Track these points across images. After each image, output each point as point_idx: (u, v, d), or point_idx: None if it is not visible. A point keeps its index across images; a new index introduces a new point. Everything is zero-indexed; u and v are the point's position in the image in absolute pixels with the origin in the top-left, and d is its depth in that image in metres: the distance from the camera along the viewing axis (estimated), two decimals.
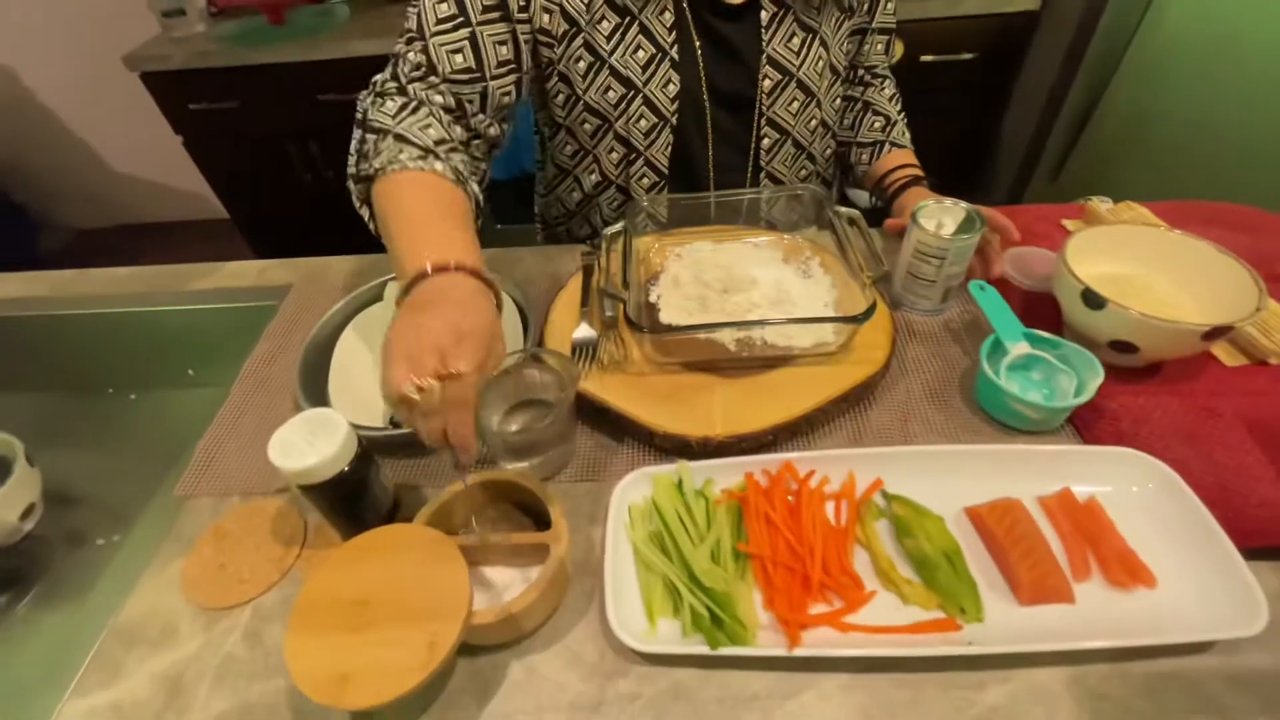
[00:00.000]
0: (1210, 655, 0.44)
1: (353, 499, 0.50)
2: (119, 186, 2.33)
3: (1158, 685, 0.43)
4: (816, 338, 0.61)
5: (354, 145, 0.64)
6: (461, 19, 0.64)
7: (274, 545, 0.54)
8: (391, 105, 0.63)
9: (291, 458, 0.45)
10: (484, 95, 0.67)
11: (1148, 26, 1.31)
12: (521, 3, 0.66)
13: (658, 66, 0.72)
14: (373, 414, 0.62)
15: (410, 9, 0.65)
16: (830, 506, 0.53)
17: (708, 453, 0.56)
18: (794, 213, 0.76)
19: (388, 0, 1.69)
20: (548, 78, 0.74)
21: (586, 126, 0.77)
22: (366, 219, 0.63)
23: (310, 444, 0.46)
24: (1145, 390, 0.59)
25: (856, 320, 0.58)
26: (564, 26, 0.68)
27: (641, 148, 0.77)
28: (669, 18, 0.70)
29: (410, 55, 0.65)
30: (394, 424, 0.60)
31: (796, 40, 0.74)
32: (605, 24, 0.69)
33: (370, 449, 0.50)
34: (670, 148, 0.77)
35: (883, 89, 0.88)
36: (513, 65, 0.68)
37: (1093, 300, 0.57)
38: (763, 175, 0.83)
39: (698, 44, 0.72)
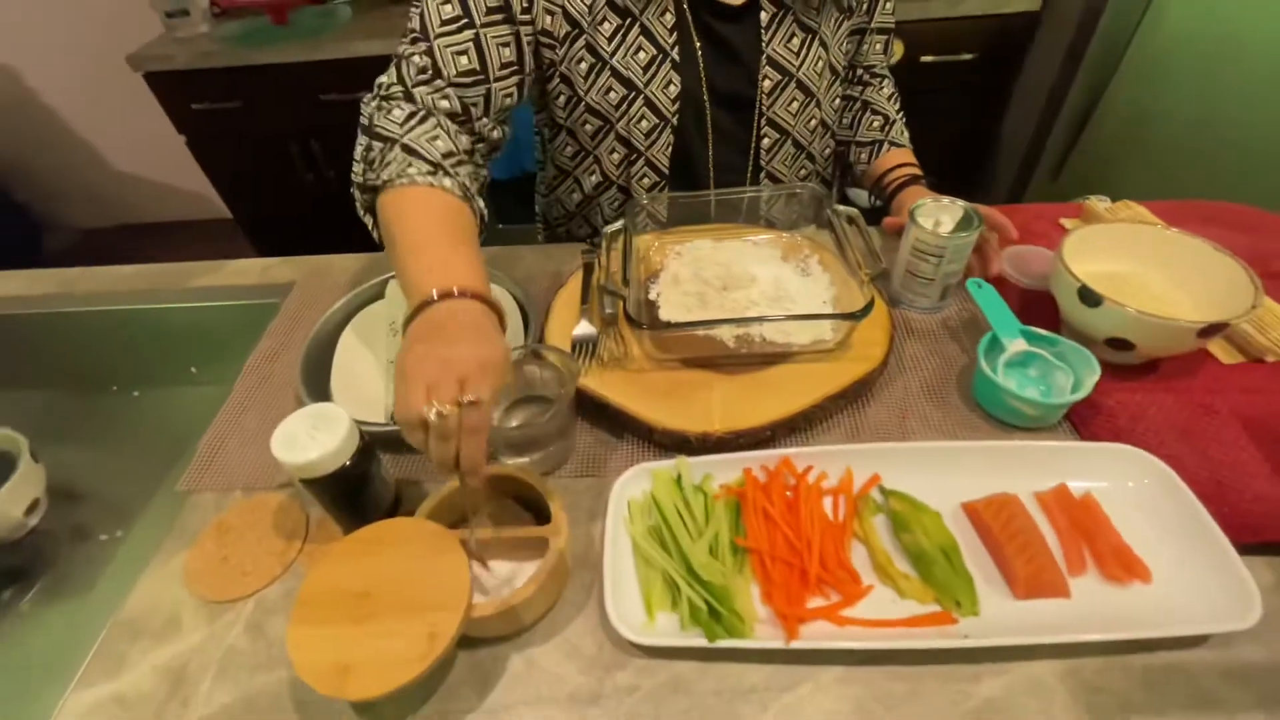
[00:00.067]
0: (1205, 648, 0.44)
1: (354, 493, 0.50)
2: (122, 186, 2.34)
3: (1153, 678, 0.43)
4: (815, 334, 0.62)
5: (359, 152, 0.63)
6: (466, 20, 0.64)
7: (276, 539, 0.55)
8: (399, 113, 0.62)
9: (294, 451, 0.45)
10: (487, 97, 0.67)
11: (1148, 26, 1.31)
12: (525, 4, 0.66)
13: (659, 67, 0.72)
14: (374, 410, 0.63)
15: (413, 10, 0.65)
16: (828, 502, 0.53)
17: (707, 448, 0.56)
18: (793, 211, 0.76)
19: (390, 1, 1.70)
20: (549, 79, 0.74)
21: (588, 127, 0.77)
22: (370, 226, 0.63)
23: (313, 438, 0.46)
24: (1142, 387, 0.59)
25: (854, 317, 0.58)
26: (566, 28, 0.69)
27: (642, 148, 0.77)
28: (670, 19, 0.70)
29: (415, 58, 0.64)
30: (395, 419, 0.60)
31: (796, 41, 0.75)
32: (607, 25, 0.69)
33: (372, 444, 0.51)
34: (671, 148, 0.78)
35: (881, 88, 0.88)
36: (515, 67, 0.68)
37: (1089, 298, 0.57)
38: (763, 175, 0.83)
39: (698, 45, 0.72)
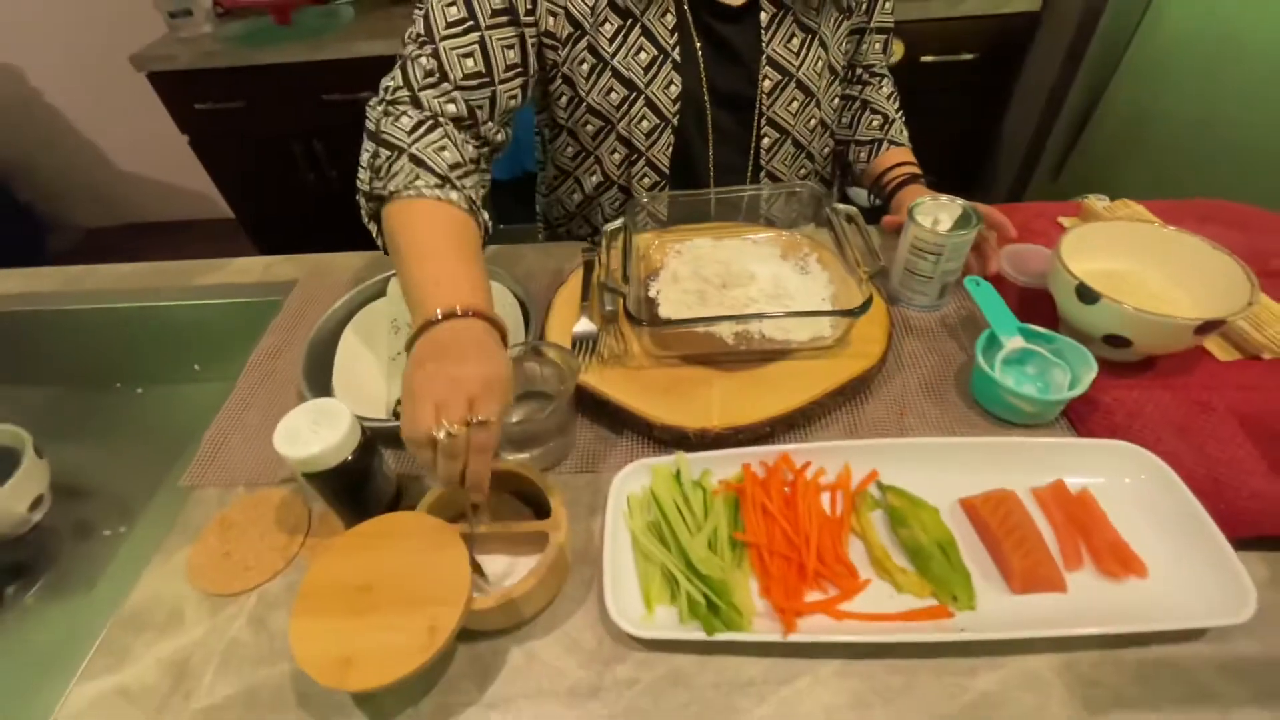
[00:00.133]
0: (1200, 643, 0.45)
1: (356, 487, 0.50)
2: (126, 186, 2.34)
3: (1149, 672, 0.44)
4: (813, 332, 0.62)
5: (365, 159, 0.63)
6: (471, 23, 0.64)
7: (278, 534, 0.55)
8: (406, 121, 0.62)
9: (296, 445, 0.46)
10: (493, 100, 0.67)
11: (1148, 26, 1.31)
12: (528, 6, 0.66)
13: (659, 68, 0.72)
14: (376, 406, 0.63)
15: (417, 12, 0.65)
16: (826, 497, 0.53)
17: (705, 444, 0.57)
18: (792, 210, 0.77)
19: (392, 1, 1.70)
20: (551, 80, 0.75)
21: (589, 128, 0.77)
22: (375, 234, 0.63)
23: (315, 432, 0.47)
24: (1139, 384, 0.60)
25: (853, 314, 0.58)
26: (569, 29, 0.69)
27: (643, 148, 0.77)
28: (670, 20, 0.71)
29: (421, 60, 0.64)
30: (397, 415, 0.61)
31: (796, 41, 0.75)
32: (608, 26, 0.70)
33: (373, 439, 0.51)
34: (671, 148, 0.78)
35: (881, 88, 0.89)
36: (520, 69, 0.69)
37: (1086, 295, 0.57)
38: (763, 174, 0.84)
39: (699, 45, 0.73)
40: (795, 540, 0.49)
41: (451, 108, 0.65)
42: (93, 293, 0.85)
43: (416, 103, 0.64)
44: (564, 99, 0.76)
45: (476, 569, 0.47)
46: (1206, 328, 0.54)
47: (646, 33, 0.71)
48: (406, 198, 0.58)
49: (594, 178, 0.83)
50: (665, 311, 0.66)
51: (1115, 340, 0.58)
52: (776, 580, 0.48)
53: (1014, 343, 0.60)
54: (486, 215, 0.63)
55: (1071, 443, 0.55)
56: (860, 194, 1.08)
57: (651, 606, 0.47)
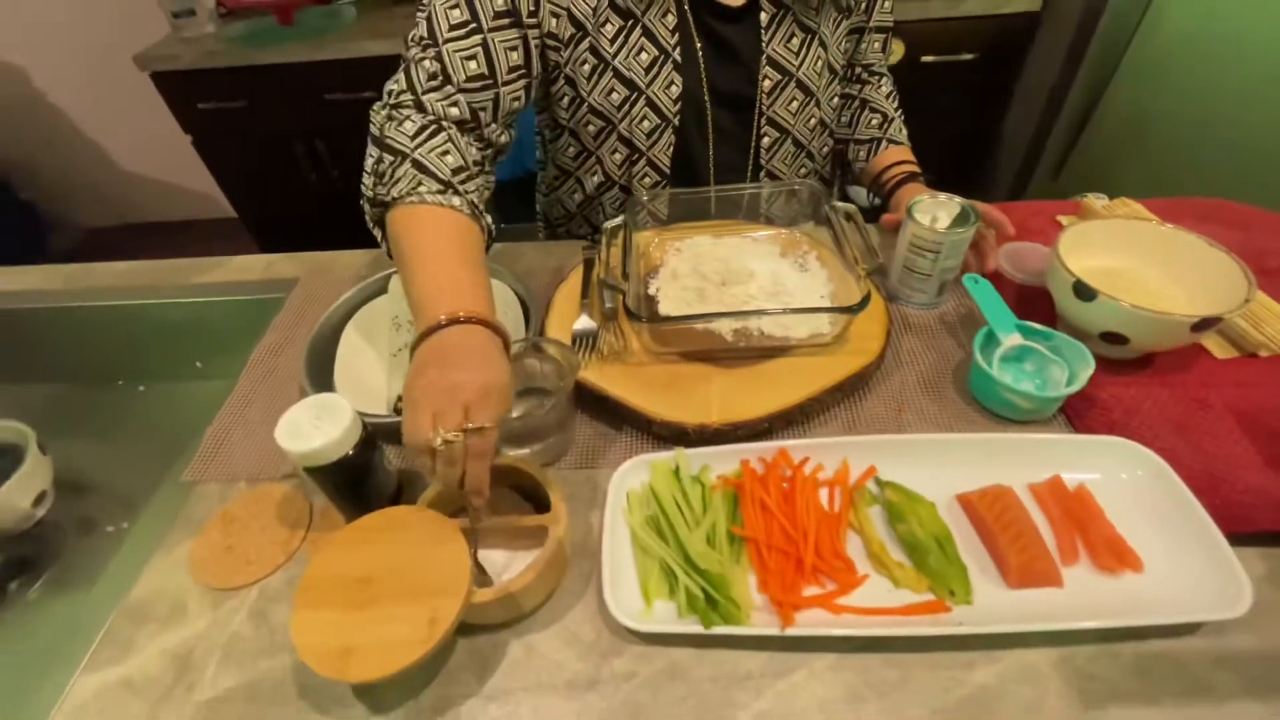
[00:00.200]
0: (1196, 637, 0.45)
1: (357, 482, 0.51)
2: (128, 186, 2.35)
3: (1145, 665, 0.44)
4: (812, 328, 0.62)
5: (369, 164, 0.63)
6: (474, 25, 0.64)
7: (280, 529, 0.56)
8: (410, 125, 0.62)
9: (298, 440, 0.46)
10: (496, 102, 0.67)
11: (1148, 26, 1.31)
12: (531, 7, 0.66)
13: (660, 68, 0.73)
14: (377, 402, 0.64)
15: (420, 14, 0.65)
16: (824, 493, 0.54)
17: (704, 440, 0.57)
18: (792, 208, 0.77)
19: (394, 1, 1.71)
20: (553, 81, 0.75)
21: (590, 128, 0.78)
22: (379, 239, 0.64)
23: (316, 427, 0.47)
24: (1136, 381, 0.60)
25: (851, 310, 0.59)
26: (571, 30, 0.69)
27: (644, 148, 0.78)
28: (671, 20, 0.71)
29: (425, 63, 0.64)
30: (398, 411, 0.61)
31: (796, 41, 0.76)
32: (609, 27, 0.70)
33: (374, 434, 0.52)
34: (672, 148, 0.78)
35: (880, 87, 0.89)
36: (523, 71, 0.69)
37: (1084, 292, 0.57)
38: (763, 174, 0.84)
39: (699, 46, 0.73)
40: (793, 535, 0.50)
41: (454, 110, 0.65)
42: (95, 290, 0.86)
43: (420, 106, 0.64)
44: (565, 100, 0.76)
45: (476, 565, 0.47)
46: (1203, 325, 0.54)
47: (647, 33, 0.71)
48: (410, 204, 0.58)
49: (595, 178, 0.84)
50: (665, 308, 0.66)
51: (1113, 337, 0.58)
52: (774, 575, 0.48)
53: (1012, 340, 0.60)
54: (490, 219, 0.63)
55: (1069, 439, 0.55)
56: (860, 193, 1.09)
57: (650, 600, 0.48)
